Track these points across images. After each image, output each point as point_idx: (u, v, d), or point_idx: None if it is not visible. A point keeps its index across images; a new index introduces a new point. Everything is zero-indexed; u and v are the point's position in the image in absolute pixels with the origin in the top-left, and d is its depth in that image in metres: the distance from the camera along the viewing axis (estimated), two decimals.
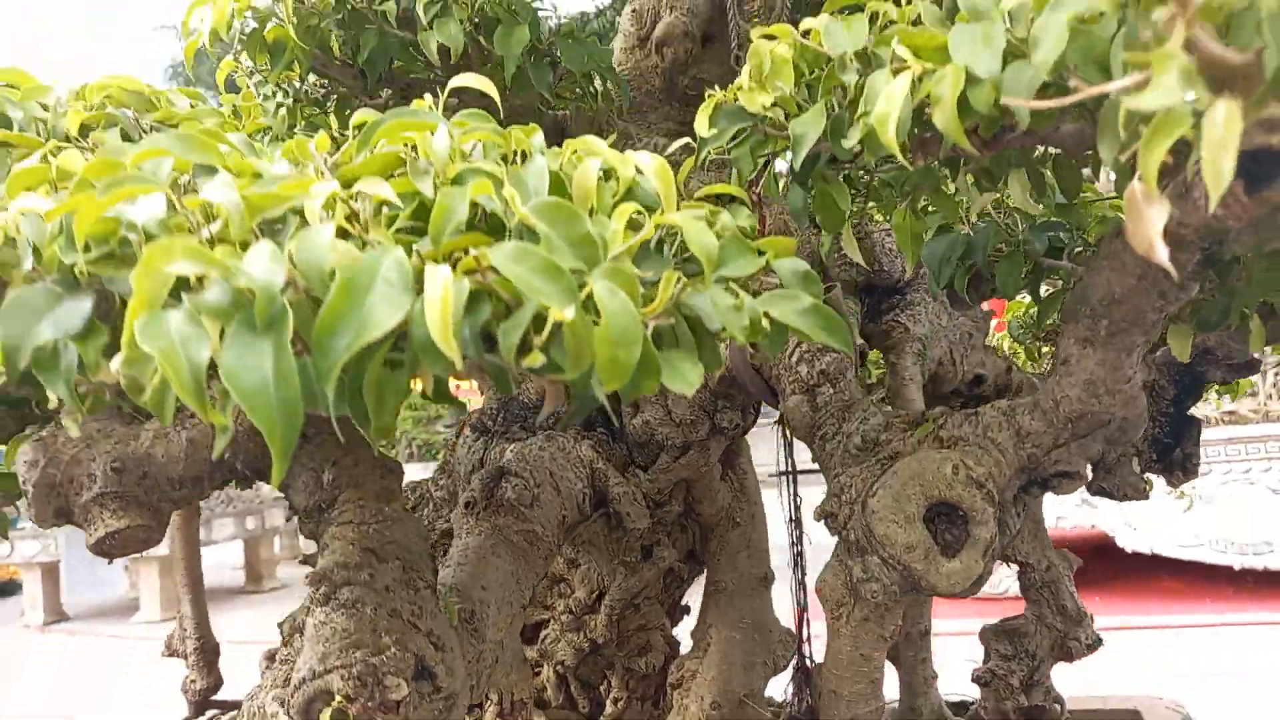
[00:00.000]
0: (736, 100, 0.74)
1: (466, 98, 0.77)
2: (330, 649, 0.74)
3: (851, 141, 0.65)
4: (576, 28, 1.03)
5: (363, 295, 0.45)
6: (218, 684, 1.48)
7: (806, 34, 0.75)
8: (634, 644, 1.26)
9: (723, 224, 0.63)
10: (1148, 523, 7.95)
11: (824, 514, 0.93)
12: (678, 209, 0.60)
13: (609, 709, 1.27)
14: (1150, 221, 0.48)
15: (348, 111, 1.23)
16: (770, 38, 0.76)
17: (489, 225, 0.53)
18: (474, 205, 0.52)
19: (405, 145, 0.61)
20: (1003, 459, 0.87)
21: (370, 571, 0.80)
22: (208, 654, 1.46)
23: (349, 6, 0.91)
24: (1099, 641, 1.44)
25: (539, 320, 0.47)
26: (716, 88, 0.81)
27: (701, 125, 0.75)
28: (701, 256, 0.54)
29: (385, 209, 0.53)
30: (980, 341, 1.39)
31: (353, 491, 0.85)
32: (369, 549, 0.82)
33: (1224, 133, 0.42)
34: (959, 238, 0.95)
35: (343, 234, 0.50)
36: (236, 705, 1.58)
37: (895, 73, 0.63)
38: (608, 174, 0.60)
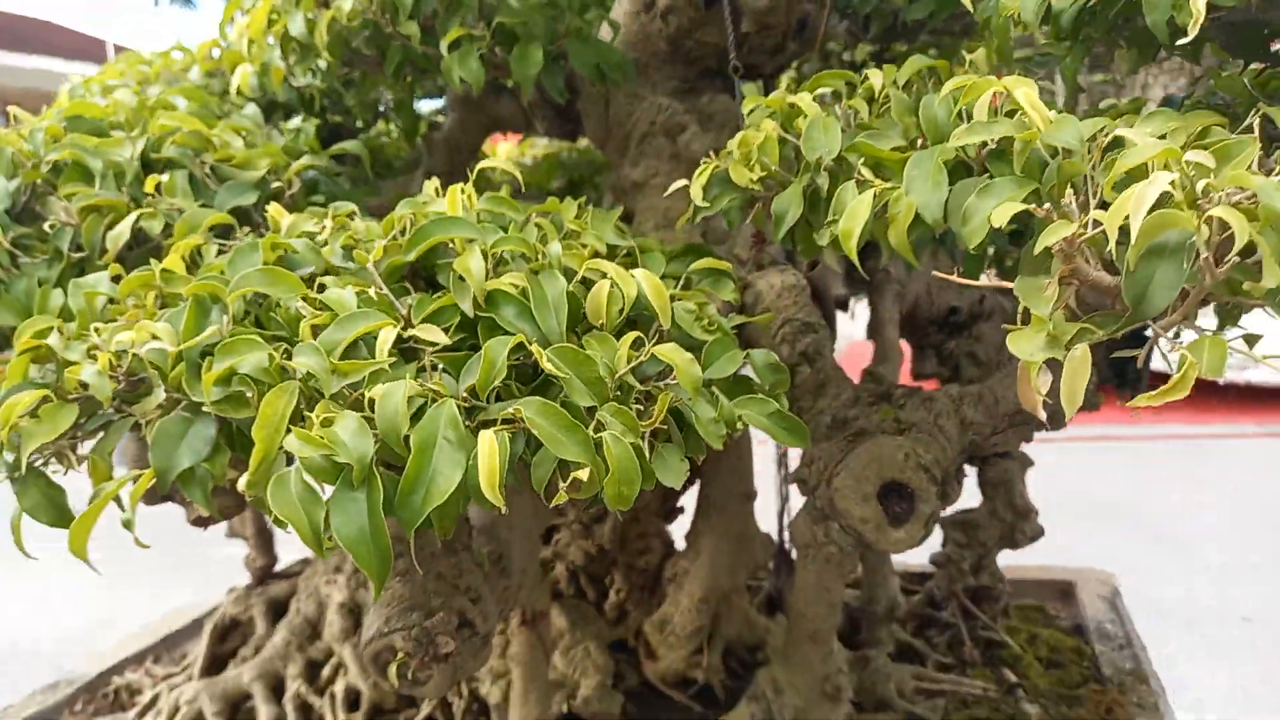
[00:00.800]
0: (725, 170, 0.84)
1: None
2: (392, 612, 0.93)
3: (823, 241, 0.76)
4: (585, 25, 1.09)
5: (430, 453, 0.60)
6: (273, 561, 1.72)
7: (793, 107, 0.84)
8: (635, 547, 1.48)
9: (710, 316, 0.76)
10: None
11: (797, 479, 1.10)
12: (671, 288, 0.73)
13: (612, 598, 1.50)
14: (1032, 391, 0.62)
15: (372, 95, 1.30)
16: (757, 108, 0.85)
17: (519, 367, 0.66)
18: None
19: (449, 242, 0.74)
20: (948, 445, 1.03)
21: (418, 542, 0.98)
22: (264, 536, 1.69)
23: (375, 25, 0.98)
24: (1041, 533, 1.65)
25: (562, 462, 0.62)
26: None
27: (695, 192, 0.86)
28: (688, 386, 0.68)
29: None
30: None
31: None
32: None
33: (1078, 365, 0.55)
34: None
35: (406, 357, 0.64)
36: (287, 576, 1.83)
37: (860, 185, 0.74)
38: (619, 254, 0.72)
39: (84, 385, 0.67)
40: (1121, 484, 6.35)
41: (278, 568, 1.75)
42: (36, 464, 0.70)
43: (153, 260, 0.76)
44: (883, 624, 1.50)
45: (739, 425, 0.70)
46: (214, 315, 0.69)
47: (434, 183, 0.86)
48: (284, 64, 1.12)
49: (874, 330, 1.46)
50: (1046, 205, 0.57)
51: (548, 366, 0.64)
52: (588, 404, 0.64)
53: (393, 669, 0.90)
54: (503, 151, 2.03)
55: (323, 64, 1.15)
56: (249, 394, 0.63)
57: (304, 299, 0.68)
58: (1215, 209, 0.49)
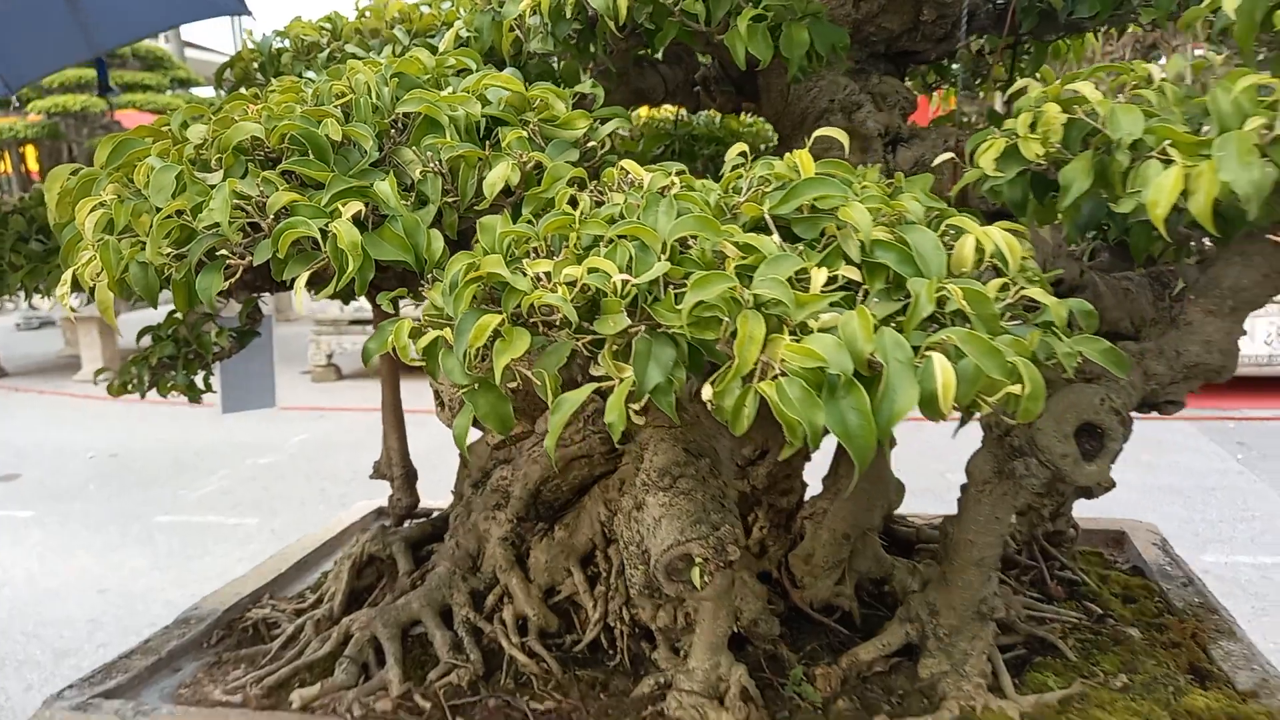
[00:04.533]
0: (1015, 147, 0.98)
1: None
2: (685, 524, 1.05)
3: (1125, 208, 0.91)
4: (820, 9, 1.21)
5: (893, 375, 0.72)
6: (415, 502, 1.80)
7: (1072, 96, 0.98)
8: (781, 488, 1.61)
9: (1033, 268, 0.90)
10: None
11: (987, 422, 1.25)
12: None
13: (754, 534, 1.63)
14: None
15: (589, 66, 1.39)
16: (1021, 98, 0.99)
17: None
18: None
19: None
20: (1133, 392, 1.20)
21: (694, 467, 1.10)
22: (409, 478, 1.77)
23: (661, 6, 1.08)
24: (1113, 484, 1.85)
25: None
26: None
27: (987, 163, 0.99)
28: (1059, 322, 0.82)
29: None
30: (1064, 250, 1.68)
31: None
32: (686, 449, 1.11)
33: None
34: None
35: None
36: (427, 515, 1.91)
37: (1162, 164, 0.88)
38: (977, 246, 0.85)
39: (547, 309, 0.77)
40: None
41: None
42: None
43: (558, 203, 0.86)
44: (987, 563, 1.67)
45: (1077, 360, 0.85)
46: (648, 254, 0.79)
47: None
48: (537, 30, 1.20)
49: None
50: None
51: (961, 304, 0.77)
52: (987, 334, 0.77)
53: (695, 572, 1.02)
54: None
55: (560, 31, 1.23)
56: (723, 318, 0.74)
57: (731, 242, 0.79)
58: None
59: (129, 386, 1.54)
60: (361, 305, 8.66)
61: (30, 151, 13.84)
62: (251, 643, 1.72)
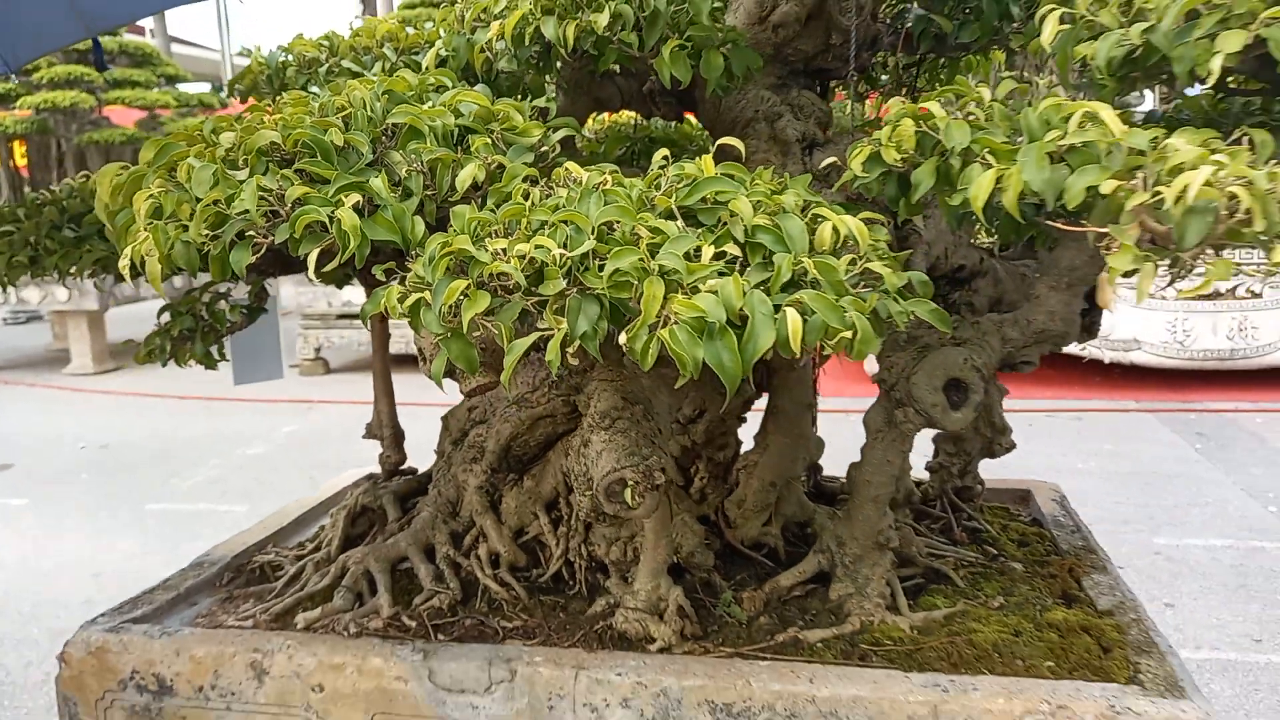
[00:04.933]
0: (876, 154, 1.24)
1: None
2: (620, 455, 1.30)
3: (956, 201, 1.16)
4: (740, 37, 1.46)
5: (753, 320, 0.97)
6: (403, 459, 2.05)
7: (921, 113, 1.23)
8: (716, 444, 1.87)
9: (883, 248, 1.16)
10: None
11: (879, 379, 1.51)
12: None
13: (696, 484, 1.89)
14: (1110, 290, 1.03)
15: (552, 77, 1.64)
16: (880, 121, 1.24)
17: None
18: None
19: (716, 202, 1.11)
20: (992, 354, 1.46)
21: (630, 412, 1.35)
22: (397, 438, 2.02)
23: (599, 34, 1.33)
24: (1013, 446, 2.11)
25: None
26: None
27: (856, 166, 1.25)
28: (891, 287, 1.07)
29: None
30: (965, 241, 1.95)
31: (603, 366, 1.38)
32: (624, 397, 1.37)
33: (1146, 275, 0.96)
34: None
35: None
36: (413, 472, 2.16)
37: (984, 167, 1.14)
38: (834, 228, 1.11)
39: (502, 276, 1.02)
40: (1018, 449, 7.00)
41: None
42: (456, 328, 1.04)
43: (515, 196, 1.11)
44: (900, 508, 1.93)
45: (910, 316, 1.10)
46: (581, 235, 1.04)
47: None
48: (502, 52, 1.45)
49: None
50: (1130, 181, 0.98)
51: (813, 272, 1.02)
52: (834, 296, 1.03)
53: (628, 493, 1.27)
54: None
55: (521, 54, 1.48)
56: (634, 282, 0.99)
57: (645, 226, 1.05)
58: (1230, 187, 0.91)
59: (153, 355, 1.78)
60: (349, 301, 8.87)
61: (17, 147, 13.93)
62: (259, 582, 1.96)
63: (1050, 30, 1.20)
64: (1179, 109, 1.50)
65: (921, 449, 2.05)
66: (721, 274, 1.01)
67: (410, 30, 1.67)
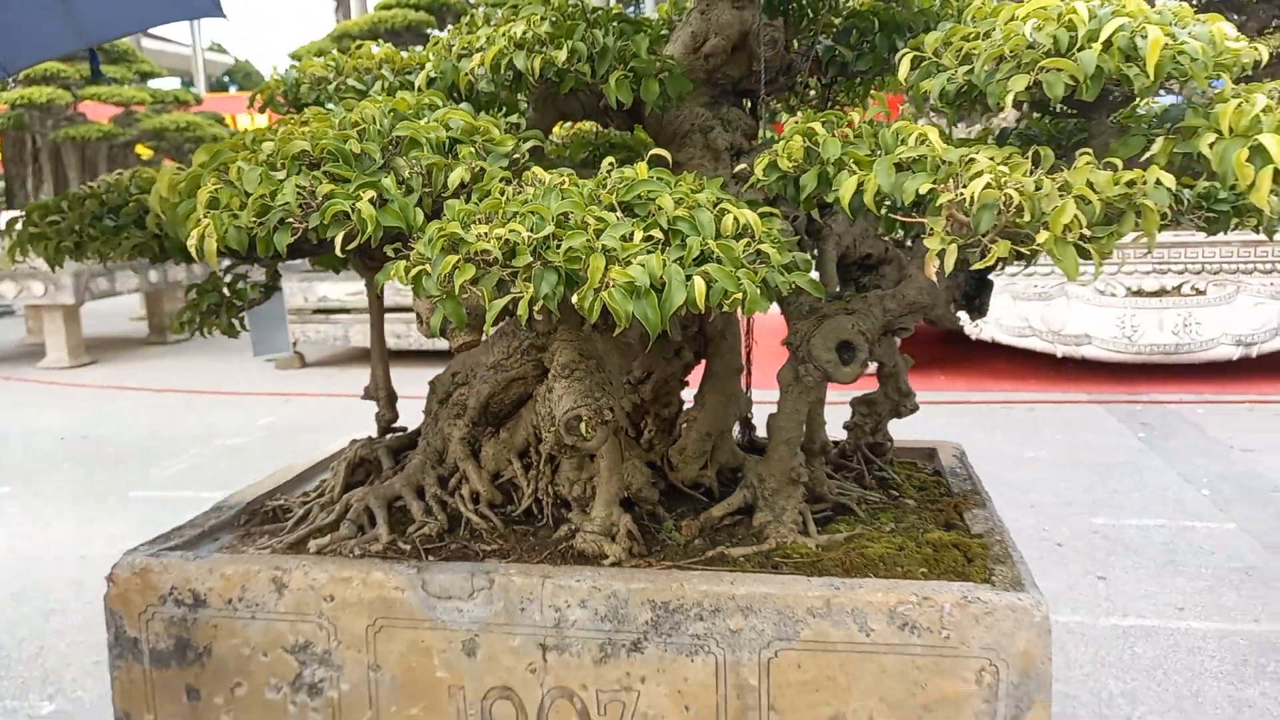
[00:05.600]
0: (773, 162, 1.60)
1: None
2: (577, 398, 1.65)
3: (830, 199, 1.53)
4: (675, 65, 1.82)
5: (671, 285, 1.32)
6: (395, 417, 2.39)
7: (813, 132, 1.59)
8: (662, 401, 2.23)
9: (780, 236, 1.52)
10: (991, 316, 9.44)
11: (787, 343, 1.87)
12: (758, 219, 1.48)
13: (645, 435, 2.24)
14: (930, 266, 1.40)
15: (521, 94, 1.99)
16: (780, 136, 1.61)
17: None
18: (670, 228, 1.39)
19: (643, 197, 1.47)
20: (875, 322, 1.83)
21: (585, 365, 1.70)
22: (391, 399, 2.36)
23: (558, 65, 1.68)
24: (917, 408, 2.48)
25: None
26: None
27: (759, 172, 1.61)
28: (777, 263, 1.43)
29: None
30: (872, 233, 2.32)
31: (565, 327, 1.74)
32: (581, 353, 1.72)
33: (949, 254, 1.33)
34: None
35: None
36: (404, 430, 2.50)
37: (850, 174, 1.50)
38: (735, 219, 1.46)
39: (484, 252, 1.37)
40: (970, 439, 7.52)
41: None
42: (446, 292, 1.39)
43: (493, 193, 1.45)
44: (816, 458, 2.30)
45: (793, 284, 1.46)
46: (542, 221, 1.39)
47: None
48: (482, 77, 1.79)
49: (820, 267, 2.25)
50: (942, 185, 1.35)
51: (717, 251, 1.38)
52: (732, 268, 1.38)
53: (582, 425, 1.62)
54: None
55: (498, 79, 1.83)
56: (583, 257, 1.34)
57: (593, 216, 1.40)
58: (1009, 189, 1.28)
59: (185, 326, 2.11)
60: (325, 296, 9.14)
61: None
62: (271, 522, 2.30)
63: (905, 68, 1.57)
64: (1029, 127, 1.87)
65: (844, 414, 2.42)
66: (648, 252, 1.37)
67: (405, 54, 2.01)
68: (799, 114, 2.46)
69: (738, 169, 1.70)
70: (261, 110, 2.14)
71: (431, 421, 2.25)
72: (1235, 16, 12.35)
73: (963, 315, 2.17)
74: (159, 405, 8.34)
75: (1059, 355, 9.03)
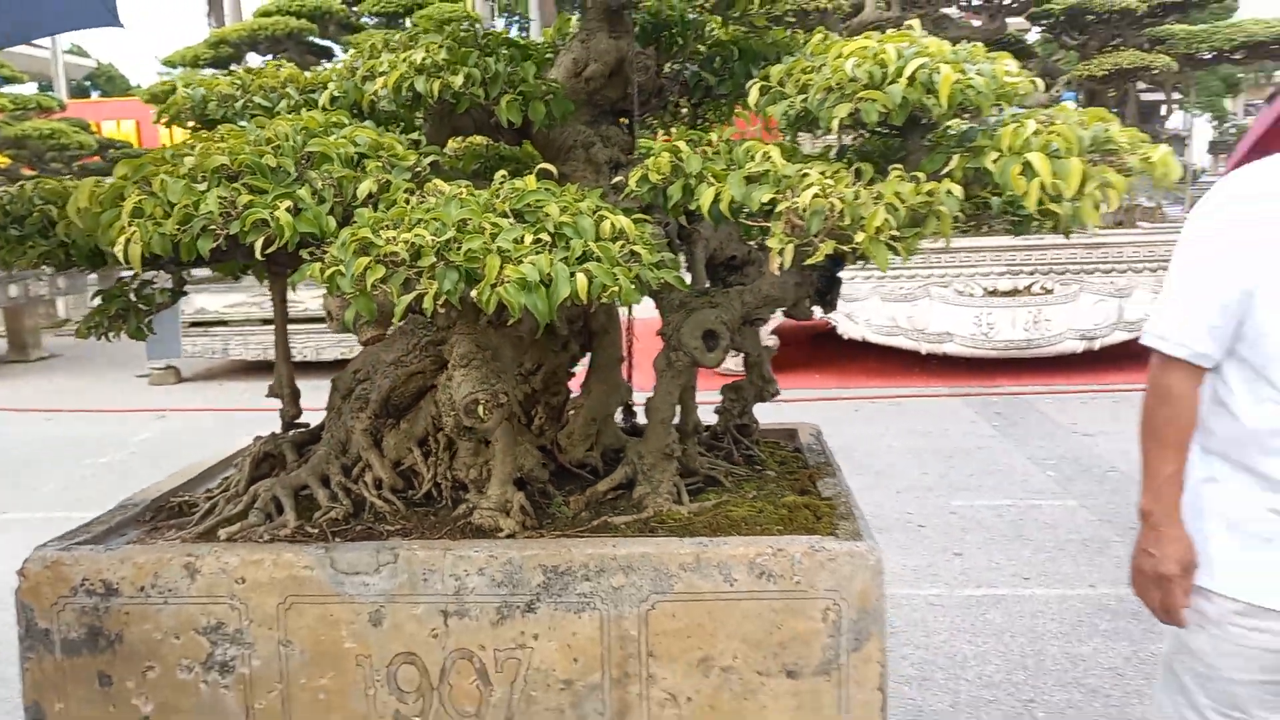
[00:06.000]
0: (644, 175, 1.85)
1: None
2: (475, 384, 1.86)
3: (692, 206, 1.78)
4: (559, 89, 2.05)
5: (558, 281, 1.55)
6: (299, 413, 2.54)
7: (678, 148, 1.85)
8: (551, 390, 2.45)
9: (651, 240, 1.77)
10: (861, 315, 10.00)
11: (661, 333, 2.13)
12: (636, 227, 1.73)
13: (536, 421, 2.46)
14: (775, 262, 1.67)
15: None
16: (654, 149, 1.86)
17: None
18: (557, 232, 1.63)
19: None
20: (735, 313, 2.10)
21: (481, 355, 1.92)
22: (295, 395, 2.51)
23: (454, 88, 1.89)
24: (779, 392, 2.78)
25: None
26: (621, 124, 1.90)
27: (633, 184, 1.85)
28: (648, 261, 1.68)
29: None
30: (736, 237, 2.60)
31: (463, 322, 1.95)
32: (477, 344, 1.93)
33: (788, 251, 1.60)
34: None
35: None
36: (306, 426, 2.64)
37: (709, 185, 1.76)
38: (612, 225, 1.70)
39: (392, 254, 1.57)
40: (841, 432, 8.02)
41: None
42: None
43: (399, 202, 1.65)
44: (690, 438, 2.57)
45: (662, 279, 1.70)
46: (443, 227, 1.60)
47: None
48: (384, 97, 1.98)
49: (691, 267, 2.52)
50: (781, 195, 1.62)
51: (597, 252, 1.62)
52: (610, 265, 1.62)
53: (480, 408, 1.83)
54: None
55: (399, 100, 2.03)
56: (481, 257, 1.56)
57: (489, 222, 1.61)
58: (832, 198, 1.56)
59: (94, 330, 2.21)
60: (202, 308, 8.96)
61: None
62: (178, 517, 2.41)
63: (755, 95, 1.85)
64: (864, 144, 2.18)
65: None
66: (537, 252, 1.60)
67: (308, 74, 2.17)
68: (673, 130, 2.73)
69: (615, 180, 1.95)
70: (168, 125, 2.26)
71: (335, 415, 2.42)
72: (1077, 35, 13.46)
73: (835, 316, 2.47)
74: (22, 423, 8.02)
75: (923, 352, 9.66)
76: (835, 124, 1.66)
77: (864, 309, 9.44)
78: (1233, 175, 1.87)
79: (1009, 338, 9.46)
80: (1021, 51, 13.70)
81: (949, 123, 1.89)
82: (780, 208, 1.59)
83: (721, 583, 1.97)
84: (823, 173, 1.66)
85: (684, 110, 2.67)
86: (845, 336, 9.54)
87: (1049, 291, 9.64)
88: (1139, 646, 4.10)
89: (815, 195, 1.54)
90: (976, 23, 12.51)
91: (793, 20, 11.54)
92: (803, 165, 1.68)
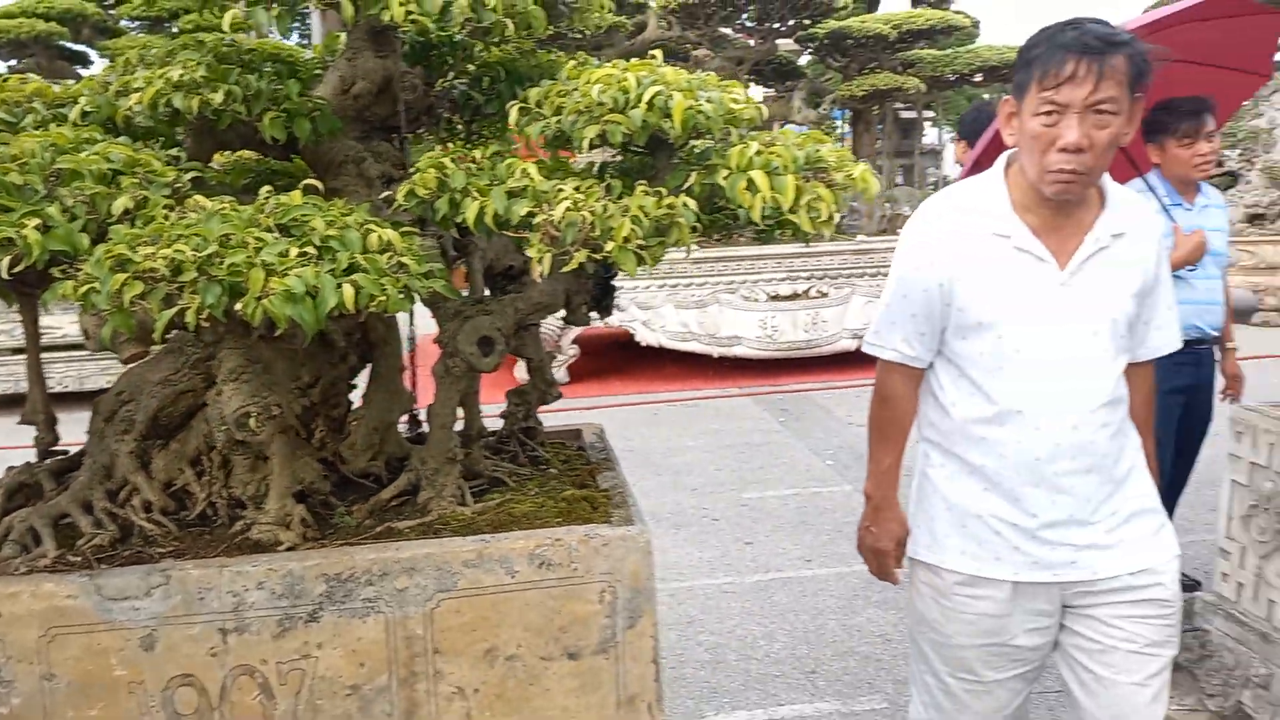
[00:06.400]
0: (412, 190, 1.93)
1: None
2: (246, 397, 1.87)
3: (459, 219, 1.88)
4: (325, 106, 2.09)
5: (324, 292, 1.61)
6: (56, 439, 2.41)
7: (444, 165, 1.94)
8: (331, 403, 2.47)
9: (417, 251, 1.85)
10: (657, 322, 10.36)
11: (438, 341, 2.20)
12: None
13: (317, 435, 2.47)
14: (536, 270, 1.80)
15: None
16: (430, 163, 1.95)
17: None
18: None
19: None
20: (509, 320, 2.21)
21: (251, 369, 1.93)
22: (50, 421, 2.38)
23: (219, 108, 1.89)
24: (560, 395, 2.92)
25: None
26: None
27: (400, 198, 1.93)
28: (415, 272, 1.76)
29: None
30: (513, 248, 2.71)
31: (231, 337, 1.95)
32: (246, 358, 1.94)
33: (545, 263, 1.73)
34: None
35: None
36: (65, 453, 2.52)
37: (473, 200, 1.86)
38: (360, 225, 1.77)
39: (151, 271, 1.57)
40: (641, 434, 8.28)
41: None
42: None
43: (156, 218, 1.65)
44: (475, 442, 2.65)
45: (430, 288, 1.79)
46: (205, 242, 1.62)
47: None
48: (140, 113, 1.95)
49: (469, 278, 2.61)
50: (538, 208, 1.75)
51: (364, 263, 1.68)
52: (377, 276, 1.69)
53: (252, 421, 1.85)
54: None
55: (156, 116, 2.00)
56: (244, 270, 1.59)
57: (253, 236, 1.64)
58: (584, 211, 1.70)
59: None
60: None
61: None
62: None
63: (514, 116, 1.98)
64: (625, 161, 2.35)
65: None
66: (303, 265, 1.65)
67: (57, 88, 2.10)
68: (451, 145, 2.81)
69: (384, 195, 2.02)
70: None
71: (97, 439, 2.33)
72: (840, 58, 14.54)
73: (632, 324, 2.62)
74: None
75: (716, 355, 10.15)
76: (586, 144, 1.81)
77: (659, 316, 9.83)
78: (937, 193, 2.18)
79: (791, 339, 10.12)
80: (791, 71, 14.67)
81: (696, 142, 2.09)
82: (538, 220, 1.72)
83: (504, 576, 2.08)
84: (577, 188, 1.80)
85: (460, 126, 2.76)
86: (643, 343, 9.89)
87: (825, 295, 10.39)
88: (904, 613, 4.55)
89: (568, 208, 1.68)
90: (753, 43, 13.27)
91: (579, 36, 11.83)
92: (559, 181, 1.82)
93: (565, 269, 1.70)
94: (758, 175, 1.76)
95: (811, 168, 1.88)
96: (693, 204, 1.77)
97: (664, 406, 8.88)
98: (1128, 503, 1.97)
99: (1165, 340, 2.08)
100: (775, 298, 10.17)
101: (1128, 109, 1.77)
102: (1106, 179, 1.93)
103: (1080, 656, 1.99)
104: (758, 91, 16.80)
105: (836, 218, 2.02)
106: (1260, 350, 8.59)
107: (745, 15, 12.13)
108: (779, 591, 4.91)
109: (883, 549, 2.16)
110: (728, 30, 13.05)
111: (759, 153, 1.83)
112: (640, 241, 1.72)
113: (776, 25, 12.39)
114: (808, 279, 10.42)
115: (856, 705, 3.77)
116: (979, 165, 4.54)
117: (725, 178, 1.83)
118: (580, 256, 1.70)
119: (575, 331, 9.70)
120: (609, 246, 1.70)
